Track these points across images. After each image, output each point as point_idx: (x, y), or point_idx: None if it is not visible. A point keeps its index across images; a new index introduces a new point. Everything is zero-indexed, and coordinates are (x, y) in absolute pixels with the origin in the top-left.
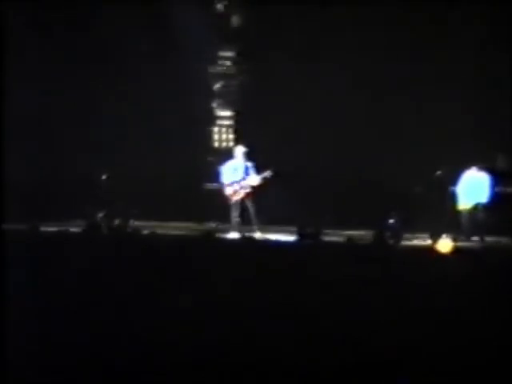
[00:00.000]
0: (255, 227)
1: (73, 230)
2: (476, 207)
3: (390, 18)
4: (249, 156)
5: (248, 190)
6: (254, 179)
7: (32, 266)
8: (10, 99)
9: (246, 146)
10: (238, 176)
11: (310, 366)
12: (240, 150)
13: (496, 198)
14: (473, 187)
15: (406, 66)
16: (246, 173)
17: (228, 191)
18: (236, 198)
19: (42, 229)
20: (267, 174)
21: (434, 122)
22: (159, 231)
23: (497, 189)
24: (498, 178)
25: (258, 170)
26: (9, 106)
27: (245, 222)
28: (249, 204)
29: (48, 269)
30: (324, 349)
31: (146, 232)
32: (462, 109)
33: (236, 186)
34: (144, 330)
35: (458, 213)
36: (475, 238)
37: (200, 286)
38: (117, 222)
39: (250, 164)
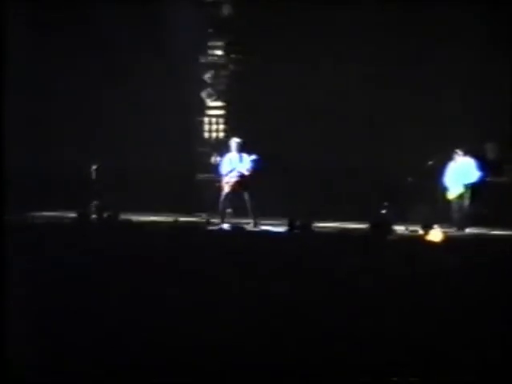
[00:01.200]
0: (252, 218)
1: (63, 220)
2: (464, 193)
3: (385, 14)
4: (243, 147)
5: (237, 179)
6: (243, 167)
7: (23, 257)
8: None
9: (238, 136)
10: (231, 167)
11: (301, 357)
12: (234, 141)
13: (486, 189)
14: (460, 173)
15: (397, 59)
16: (240, 163)
17: (223, 182)
18: (228, 187)
19: (32, 220)
20: (251, 159)
21: (425, 112)
22: (149, 222)
23: (487, 179)
24: (486, 165)
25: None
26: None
27: (242, 213)
28: (244, 194)
29: (39, 258)
30: (316, 340)
31: (136, 222)
32: (454, 98)
33: (229, 177)
34: (138, 320)
35: (448, 202)
36: (468, 230)
37: (190, 276)
38: (107, 213)
39: (244, 154)
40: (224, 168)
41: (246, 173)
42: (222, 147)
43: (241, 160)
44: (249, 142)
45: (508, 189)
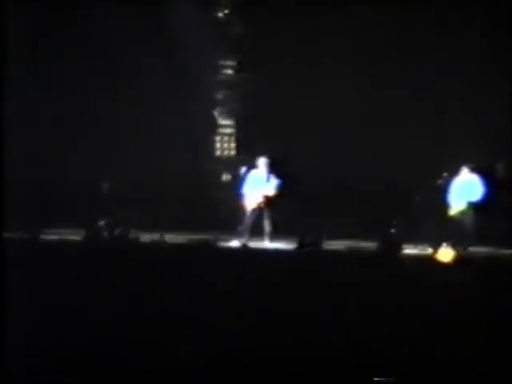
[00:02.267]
0: (268, 238)
1: (73, 238)
2: (467, 209)
3: (390, 20)
4: (272, 167)
5: (262, 200)
6: (269, 188)
7: (32, 276)
8: (10, 105)
9: (268, 158)
10: (257, 186)
11: (311, 374)
12: (263, 161)
13: (494, 206)
14: (464, 189)
15: (410, 73)
16: (267, 183)
17: (246, 200)
18: (251, 207)
19: (43, 237)
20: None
21: (436, 130)
22: (161, 240)
23: (496, 198)
24: (493, 183)
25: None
26: (9, 111)
27: (260, 232)
28: (266, 215)
29: (48, 278)
30: (325, 356)
31: (147, 241)
32: (465, 117)
33: (253, 195)
34: (143, 337)
35: (451, 219)
36: (473, 248)
37: (201, 294)
38: (118, 230)
39: (271, 175)
40: (248, 186)
41: (272, 193)
42: (233, 165)
43: (268, 179)
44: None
45: None
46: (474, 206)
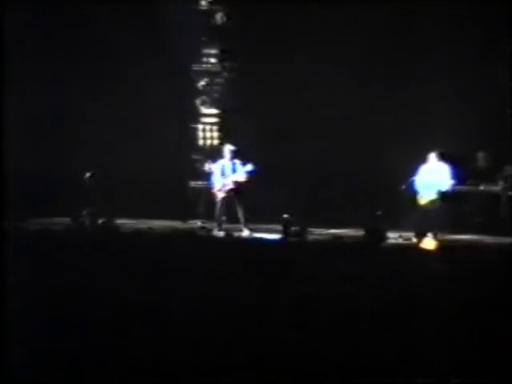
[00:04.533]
0: (242, 225)
1: (57, 227)
2: (437, 199)
3: (382, 15)
4: (236, 154)
5: (232, 187)
6: (239, 175)
7: (16, 265)
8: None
9: (232, 144)
10: (225, 174)
11: (297, 362)
12: (227, 149)
13: (467, 195)
14: (433, 178)
15: (395, 63)
16: (234, 170)
17: (215, 189)
18: (221, 195)
19: (26, 227)
20: (246, 169)
21: (422, 119)
22: (144, 229)
23: (468, 186)
24: (465, 171)
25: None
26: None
27: (233, 220)
28: (237, 202)
29: (32, 267)
30: (311, 345)
31: (130, 230)
32: (449, 104)
33: (222, 184)
34: (134, 324)
35: (417, 207)
36: (429, 235)
37: (184, 284)
38: (101, 220)
39: (237, 161)
40: (216, 175)
41: (241, 180)
42: (215, 154)
43: (234, 167)
44: (243, 149)
45: (499, 197)
46: (443, 195)
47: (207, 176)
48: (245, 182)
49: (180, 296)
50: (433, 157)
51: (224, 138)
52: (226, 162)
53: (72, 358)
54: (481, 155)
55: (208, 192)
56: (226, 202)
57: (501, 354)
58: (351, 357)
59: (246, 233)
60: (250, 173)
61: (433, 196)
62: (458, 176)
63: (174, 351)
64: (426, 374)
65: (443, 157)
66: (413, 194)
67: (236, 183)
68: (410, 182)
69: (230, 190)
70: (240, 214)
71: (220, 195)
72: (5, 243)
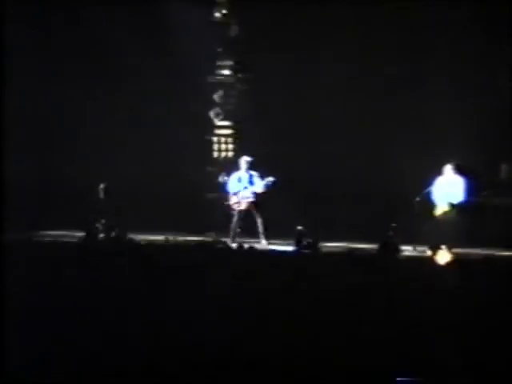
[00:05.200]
0: (261, 237)
1: (70, 240)
2: (450, 210)
3: (388, 19)
4: (252, 165)
5: (251, 199)
6: (257, 187)
7: (30, 277)
8: (7, 108)
9: (247, 155)
10: (242, 186)
11: (309, 376)
12: (244, 160)
13: (482, 207)
14: (447, 190)
15: (411, 76)
16: (251, 182)
17: (232, 201)
18: (239, 207)
19: (40, 239)
20: (267, 180)
21: (435, 131)
22: (158, 242)
23: (483, 198)
24: (479, 183)
25: (262, 179)
26: (6, 113)
27: (252, 232)
28: (255, 214)
29: (45, 279)
30: (323, 358)
31: (144, 242)
32: (465, 118)
33: (239, 196)
34: (142, 337)
35: (432, 219)
36: (443, 247)
37: (198, 295)
38: (115, 232)
39: (253, 173)
40: (232, 187)
41: (259, 192)
42: (230, 166)
43: (251, 179)
44: (258, 161)
45: None
46: (456, 207)
47: (222, 188)
48: (263, 193)
49: (192, 308)
50: (448, 169)
51: (238, 150)
52: (242, 173)
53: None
54: (504, 167)
55: (223, 204)
56: (244, 214)
57: None
58: (366, 367)
59: (263, 244)
60: (270, 184)
61: (448, 208)
62: (474, 188)
63: (185, 363)
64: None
65: (459, 169)
66: (428, 205)
67: (254, 195)
68: (425, 194)
69: (249, 202)
70: (259, 225)
71: (237, 207)
72: (17, 256)
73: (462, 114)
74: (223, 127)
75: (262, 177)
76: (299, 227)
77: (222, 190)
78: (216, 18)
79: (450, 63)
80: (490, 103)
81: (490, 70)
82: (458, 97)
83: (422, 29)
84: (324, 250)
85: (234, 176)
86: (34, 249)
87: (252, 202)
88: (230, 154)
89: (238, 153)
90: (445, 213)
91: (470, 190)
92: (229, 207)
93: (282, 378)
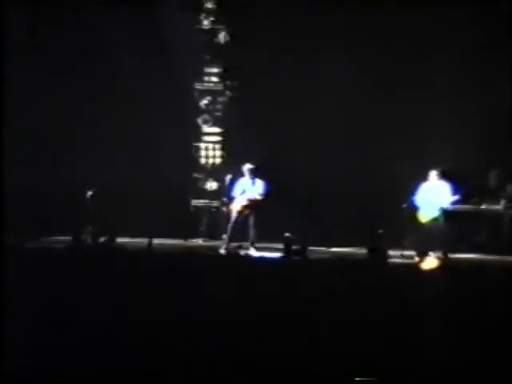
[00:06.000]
0: (250, 244)
1: (58, 246)
2: (439, 217)
3: (386, 20)
4: (254, 172)
5: (246, 203)
6: (254, 193)
7: (18, 282)
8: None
9: (252, 164)
10: (243, 191)
11: (297, 379)
12: (246, 167)
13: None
14: (434, 195)
15: (397, 81)
16: (253, 188)
17: (231, 205)
18: (235, 212)
19: (27, 244)
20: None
21: (424, 136)
22: (145, 247)
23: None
24: (466, 188)
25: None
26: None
27: (243, 237)
28: (251, 220)
29: (34, 285)
30: (312, 365)
31: (131, 248)
32: (456, 122)
33: (237, 201)
34: (131, 343)
35: (419, 225)
36: (431, 254)
37: (186, 302)
38: (102, 237)
39: (256, 180)
40: (236, 193)
41: (258, 198)
42: (217, 173)
43: (253, 185)
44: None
45: (502, 216)
46: (444, 213)
47: (215, 194)
48: (260, 201)
49: (180, 314)
50: (433, 174)
51: (226, 157)
52: (245, 180)
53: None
54: (492, 173)
55: (210, 211)
56: (241, 219)
57: (505, 373)
58: (352, 373)
59: (252, 252)
60: (264, 191)
61: (434, 214)
62: (460, 194)
63: (171, 366)
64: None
65: (444, 174)
66: (414, 212)
67: (251, 201)
68: (412, 200)
69: (245, 206)
70: (251, 232)
71: (234, 212)
72: (5, 261)
73: (450, 119)
74: (211, 134)
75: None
76: (287, 234)
77: (217, 196)
78: (205, 25)
79: (438, 68)
80: (480, 109)
81: (478, 76)
82: (447, 102)
83: (409, 35)
84: (312, 256)
85: (239, 183)
86: (21, 255)
87: (246, 206)
88: (218, 160)
89: (226, 159)
90: (433, 219)
91: (457, 196)
92: (228, 212)
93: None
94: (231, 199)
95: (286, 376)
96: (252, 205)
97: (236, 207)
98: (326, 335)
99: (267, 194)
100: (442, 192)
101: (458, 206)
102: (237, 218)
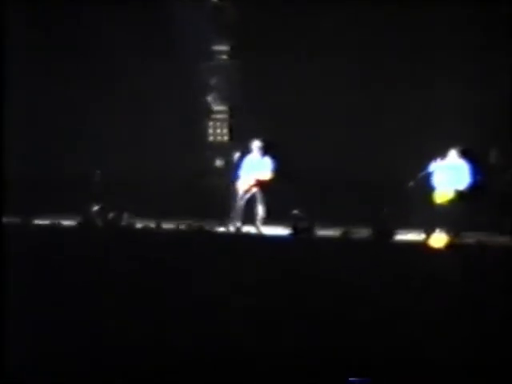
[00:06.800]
0: (259, 222)
1: (67, 223)
2: (455, 197)
3: (384, 17)
4: (264, 150)
5: (253, 182)
6: (265, 172)
7: (27, 260)
8: (5, 95)
9: (261, 141)
10: (252, 169)
11: (303, 361)
12: (256, 145)
13: (484, 193)
14: (451, 175)
15: (403, 62)
16: (261, 167)
17: (238, 183)
18: (243, 190)
19: (36, 222)
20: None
21: (427, 116)
22: (153, 227)
23: (486, 184)
24: (485, 169)
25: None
26: (2, 101)
27: (251, 216)
28: (257, 198)
29: (42, 263)
30: (319, 344)
31: (140, 226)
32: (455, 104)
33: (246, 179)
34: (140, 324)
35: (428, 204)
36: (438, 232)
37: (194, 280)
38: (111, 215)
39: (266, 158)
40: (244, 170)
41: (267, 176)
42: (226, 151)
43: (262, 163)
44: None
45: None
46: (461, 194)
47: (221, 172)
48: (269, 179)
49: (188, 293)
50: (453, 153)
51: (234, 135)
52: (253, 157)
53: (72, 358)
54: (492, 153)
55: (220, 189)
56: (248, 198)
57: (505, 353)
58: (356, 354)
59: (260, 230)
60: (273, 169)
61: (450, 194)
62: (475, 174)
63: (176, 350)
64: (430, 371)
65: (464, 154)
66: (425, 190)
67: (259, 180)
68: (421, 179)
69: (255, 186)
70: (260, 211)
71: (242, 191)
72: (13, 239)
73: (454, 100)
74: (219, 112)
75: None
76: (295, 211)
77: (226, 174)
78: (212, 2)
79: (445, 53)
80: (481, 92)
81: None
82: (450, 84)
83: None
84: (319, 234)
85: (247, 160)
86: (30, 232)
87: (256, 186)
88: (226, 138)
89: (234, 138)
90: (450, 200)
91: (474, 176)
92: (235, 191)
93: (273, 364)
94: (238, 177)
95: (290, 356)
96: (261, 183)
97: (243, 186)
98: (333, 314)
99: (276, 172)
100: (460, 171)
101: (474, 186)
102: (244, 197)
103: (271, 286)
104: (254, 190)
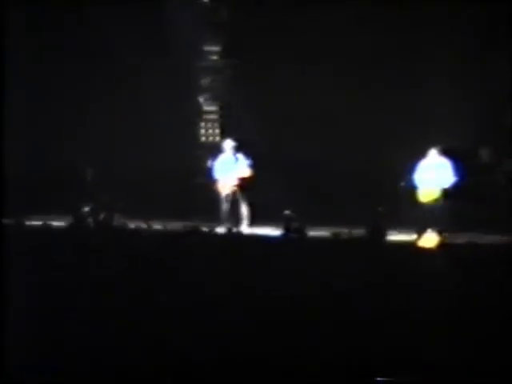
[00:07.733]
0: (245, 222)
1: (58, 223)
2: (440, 196)
3: (382, 16)
4: (238, 149)
5: (236, 182)
6: (243, 171)
7: (18, 261)
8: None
9: (234, 140)
10: (227, 170)
11: (295, 361)
12: (229, 144)
13: (470, 191)
14: (434, 175)
15: (394, 61)
16: (236, 166)
17: (218, 185)
18: (225, 191)
19: (27, 223)
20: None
21: (421, 117)
22: (145, 226)
23: (472, 183)
24: (469, 167)
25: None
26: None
27: (235, 216)
28: (240, 198)
29: (33, 263)
30: (310, 343)
31: (132, 226)
32: (449, 104)
33: (225, 180)
34: (132, 323)
35: (418, 203)
36: (429, 232)
37: (185, 280)
38: (102, 216)
39: (239, 156)
40: (217, 171)
41: (246, 175)
42: (217, 150)
43: (236, 162)
44: (244, 146)
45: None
46: (445, 192)
47: (208, 173)
48: (248, 177)
49: (180, 293)
50: (433, 152)
51: (225, 135)
52: (227, 157)
53: (71, 358)
54: (483, 151)
55: (210, 189)
56: (231, 199)
57: (501, 352)
58: (351, 355)
59: (247, 230)
60: (250, 168)
61: (435, 193)
62: (460, 172)
63: (172, 350)
64: (426, 371)
65: (445, 152)
66: (413, 190)
67: (240, 179)
68: (410, 179)
69: (236, 187)
70: (244, 210)
71: (225, 192)
72: (5, 240)
73: (444, 99)
74: (211, 112)
75: (248, 159)
76: (287, 211)
77: (209, 174)
78: (204, 2)
79: (438, 52)
80: (471, 88)
81: (476, 57)
82: (441, 82)
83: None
84: (311, 234)
85: (220, 160)
86: (21, 233)
87: (237, 186)
88: (217, 138)
89: (225, 137)
90: (435, 199)
91: (458, 174)
92: (215, 192)
93: (269, 366)
94: (214, 179)
95: (284, 359)
96: (241, 184)
97: (225, 188)
98: (326, 314)
99: (254, 171)
100: (443, 170)
101: (459, 184)
102: (228, 198)
103: (264, 286)
104: (236, 190)
